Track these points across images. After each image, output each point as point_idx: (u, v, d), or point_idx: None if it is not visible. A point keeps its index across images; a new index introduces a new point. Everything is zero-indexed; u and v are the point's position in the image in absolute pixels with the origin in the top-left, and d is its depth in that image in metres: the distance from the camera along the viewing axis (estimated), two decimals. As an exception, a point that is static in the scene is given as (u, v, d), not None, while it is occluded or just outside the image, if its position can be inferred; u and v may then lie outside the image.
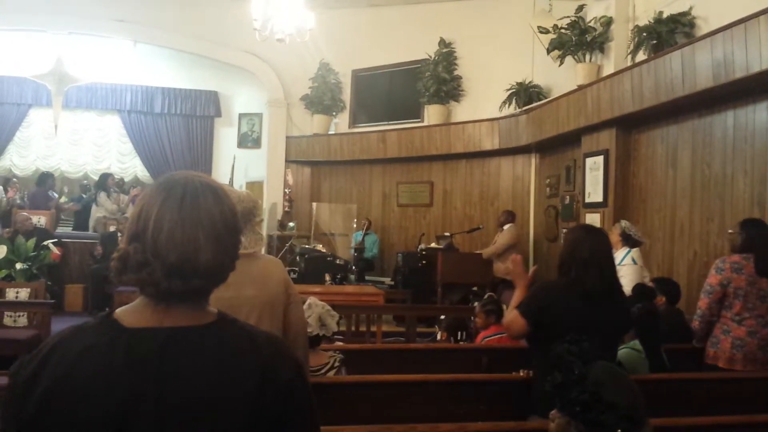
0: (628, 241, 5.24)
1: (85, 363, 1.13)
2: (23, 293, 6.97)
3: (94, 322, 1.21)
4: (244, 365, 1.17)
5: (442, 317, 5.03)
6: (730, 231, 4.30)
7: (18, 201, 10.25)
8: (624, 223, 5.48)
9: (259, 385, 1.17)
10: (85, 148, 12.48)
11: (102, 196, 10.08)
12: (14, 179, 11.20)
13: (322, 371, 3.24)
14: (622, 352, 3.63)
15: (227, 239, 1.23)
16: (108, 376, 1.12)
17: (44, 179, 10.61)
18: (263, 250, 10.95)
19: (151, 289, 1.18)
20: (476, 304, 7.62)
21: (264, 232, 11.45)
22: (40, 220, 9.30)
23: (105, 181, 10.34)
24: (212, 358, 1.16)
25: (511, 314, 3.08)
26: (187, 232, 1.17)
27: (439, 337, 5.17)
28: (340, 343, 4.39)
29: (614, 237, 5.37)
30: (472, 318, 6.57)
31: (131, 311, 1.21)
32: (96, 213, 10.09)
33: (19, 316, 6.60)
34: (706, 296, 4.02)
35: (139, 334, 1.16)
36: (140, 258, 1.16)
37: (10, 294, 6.92)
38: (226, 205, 1.25)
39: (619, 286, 3.12)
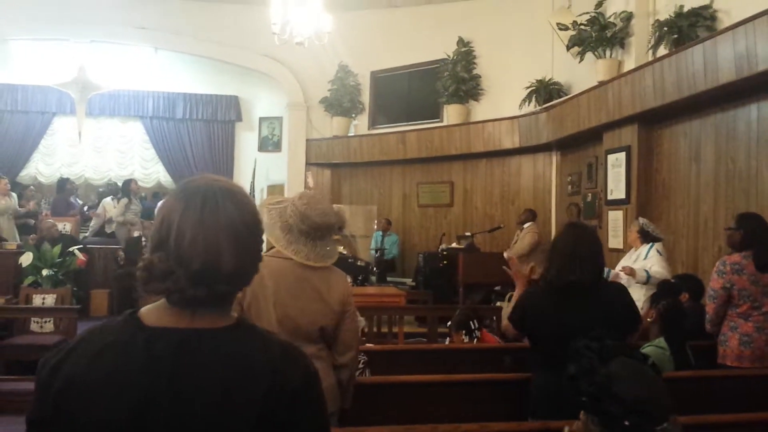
0: (647, 237, 5.20)
1: (103, 359, 1.15)
2: (49, 299, 7.06)
3: (119, 319, 1.24)
4: (254, 370, 1.18)
5: (449, 323, 4.82)
6: (726, 228, 4.21)
7: (38, 208, 10.37)
8: (642, 220, 5.43)
9: (268, 390, 1.17)
10: (109, 154, 12.63)
11: (124, 202, 10.18)
12: (31, 186, 11.29)
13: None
14: (648, 349, 3.59)
15: (249, 243, 1.24)
16: (124, 373, 1.14)
17: (63, 185, 10.75)
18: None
19: (176, 297, 1.20)
20: (505, 304, 7.55)
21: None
22: (65, 226, 9.43)
23: (128, 187, 10.45)
24: (224, 361, 1.17)
25: (505, 321, 3.15)
26: (209, 238, 1.18)
27: (448, 341, 4.99)
28: (369, 345, 4.37)
29: (632, 235, 5.33)
30: (498, 318, 6.55)
31: (154, 310, 1.23)
32: (117, 218, 10.18)
33: (45, 321, 6.68)
34: (711, 301, 3.96)
35: (157, 333, 1.18)
36: (165, 267, 1.18)
37: (37, 300, 7.02)
38: (246, 209, 1.25)
39: (606, 282, 3.06)
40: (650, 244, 5.19)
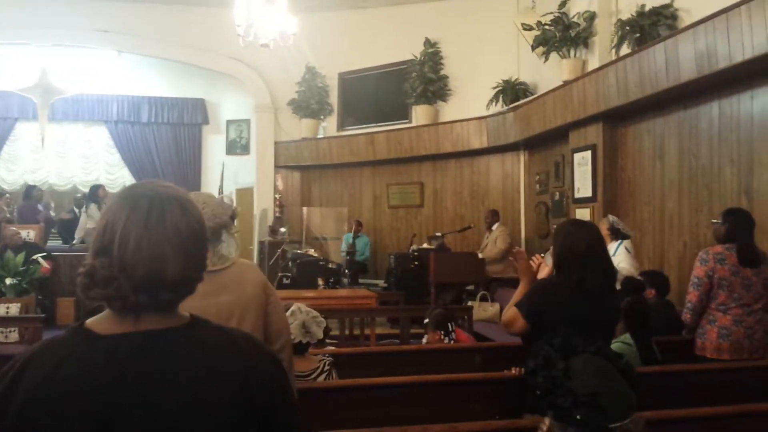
0: (617, 234, 5.26)
1: (63, 373, 1.11)
2: (14, 308, 6.92)
3: (65, 334, 1.20)
4: (227, 362, 1.18)
5: (426, 320, 4.84)
6: (713, 221, 4.32)
7: (8, 215, 10.15)
8: (611, 217, 5.50)
9: (244, 380, 1.18)
10: (73, 160, 12.43)
11: (93, 208, 10.01)
12: (7, 195, 11.04)
13: (313, 376, 3.21)
14: (614, 346, 3.63)
15: (194, 251, 1.21)
16: (89, 384, 1.11)
17: (30, 192, 10.53)
18: (255, 257, 10.93)
19: (118, 304, 1.17)
20: (476, 303, 7.59)
21: (256, 239, 11.43)
22: (29, 234, 9.23)
23: (96, 192, 10.27)
24: (194, 358, 1.16)
25: (511, 312, 3.03)
26: (154, 246, 1.16)
27: (425, 340, 5.00)
28: (331, 348, 4.35)
29: (603, 231, 5.39)
30: (469, 318, 6.59)
31: (102, 320, 1.20)
32: (86, 224, 10.01)
33: (10, 331, 6.54)
34: (695, 288, 4.03)
35: (115, 340, 1.15)
36: (107, 273, 1.15)
37: (1, 309, 6.87)
38: (193, 217, 1.23)
39: (614, 281, 3.12)
40: (619, 241, 5.26)
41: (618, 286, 4.18)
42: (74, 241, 10.12)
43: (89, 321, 1.20)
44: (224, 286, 2.41)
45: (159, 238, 1.16)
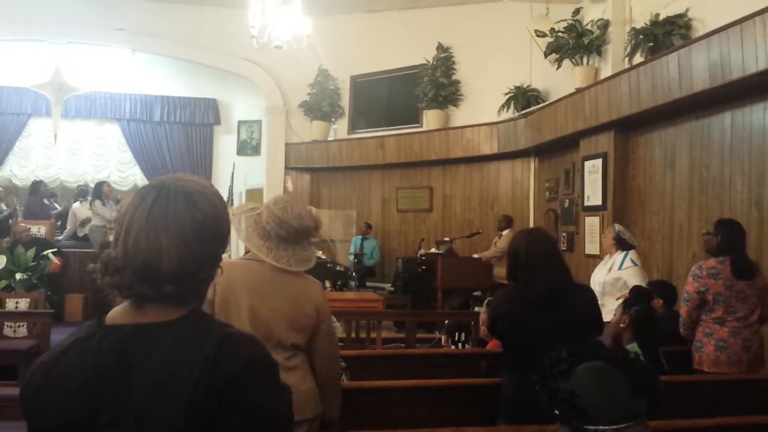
0: (622, 244, 5.23)
1: (65, 358, 1.20)
2: (23, 303, 6.97)
3: (89, 322, 1.27)
4: (187, 361, 1.17)
5: (447, 321, 5.06)
6: (704, 232, 4.29)
7: (12, 211, 10.20)
8: (617, 226, 5.46)
9: (198, 380, 1.15)
10: (85, 157, 12.50)
11: (97, 204, 10.07)
12: (1, 189, 11.08)
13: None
14: (621, 354, 3.62)
15: (197, 244, 1.22)
16: (81, 371, 1.18)
17: (36, 187, 10.60)
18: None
19: (125, 293, 1.22)
20: (482, 309, 7.62)
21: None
22: (39, 230, 9.30)
23: (100, 189, 10.32)
24: (163, 354, 1.17)
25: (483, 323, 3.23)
26: (151, 238, 1.19)
27: (443, 341, 5.20)
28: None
29: (608, 241, 5.37)
30: (476, 323, 6.60)
31: (117, 311, 1.25)
32: (92, 220, 10.06)
33: (18, 326, 6.58)
34: (684, 304, 4.04)
35: (107, 330, 1.21)
36: (116, 263, 1.21)
37: (10, 304, 6.92)
38: (200, 210, 1.24)
39: (573, 284, 3.04)
40: (624, 252, 5.22)
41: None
42: (61, 237, 10.17)
43: (112, 310, 1.26)
44: (287, 290, 2.50)
45: (156, 231, 1.20)
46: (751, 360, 3.91)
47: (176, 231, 1.21)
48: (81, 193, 10.88)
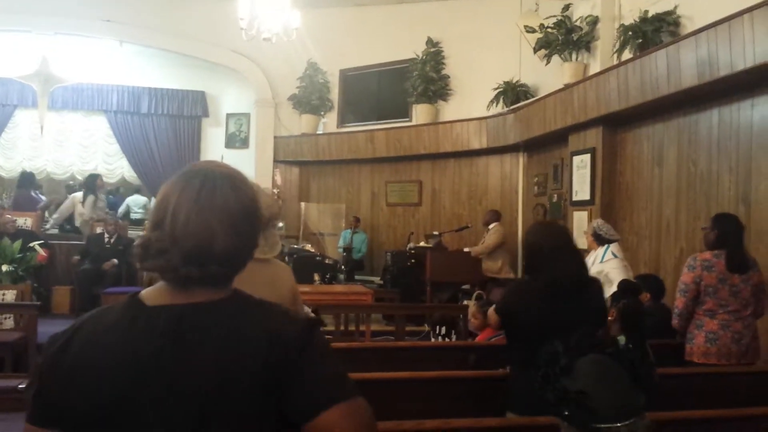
0: (600, 240, 5.25)
1: (107, 337, 1.21)
2: (9, 295, 6.92)
3: (121, 302, 1.28)
4: (250, 338, 1.20)
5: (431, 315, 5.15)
6: (703, 227, 4.35)
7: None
8: (595, 222, 5.48)
9: (267, 355, 1.18)
10: (72, 149, 12.36)
11: (90, 199, 10.01)
12: None
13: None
14: (609, 347, 3.65)
15: (244, 226, 1.27)
16: (127, 350, 1.19)
17: (25, 180, 10.50)
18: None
19: (170, 275, 1.24)
20: (471, 303, 7.66)
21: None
22: (26, 221, 9.23)
23: (94, 182, 10.25)
24: (223, 332, 1.20)
25: (490, 311, 3.25)
26: (203, 220, 1.22)
27: (432, 335, 5.27)
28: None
29: (588, 237, 5.40)
30: (465, 317, 6.63)
31: (154, 291, 1.27)
32: (84, 215, 10.00)
33: (5, 318, 6.54)
34: (682, 295, 4.06)
35: (156, 311, 1.22)
36: (160, 245, 1.22)
37: (-4, 296, 6.87)
38: (244, 194, 1.28)
39: (589, 277, 3.08)
40: (606, 246, 5.26)
41: (609, 291, 4.21)
42: (47, 225, 10.10)
43: (144, 291, 1.28)
44: (262, 282, 2.47)
45: (207, 213, 1.23)
46: (743, 352, 3.95)
47: (225, 213, 1.24)
48: (89, 188, 10.54)
